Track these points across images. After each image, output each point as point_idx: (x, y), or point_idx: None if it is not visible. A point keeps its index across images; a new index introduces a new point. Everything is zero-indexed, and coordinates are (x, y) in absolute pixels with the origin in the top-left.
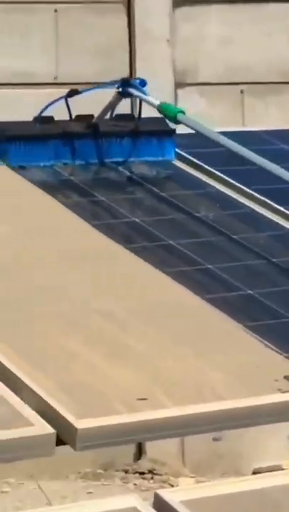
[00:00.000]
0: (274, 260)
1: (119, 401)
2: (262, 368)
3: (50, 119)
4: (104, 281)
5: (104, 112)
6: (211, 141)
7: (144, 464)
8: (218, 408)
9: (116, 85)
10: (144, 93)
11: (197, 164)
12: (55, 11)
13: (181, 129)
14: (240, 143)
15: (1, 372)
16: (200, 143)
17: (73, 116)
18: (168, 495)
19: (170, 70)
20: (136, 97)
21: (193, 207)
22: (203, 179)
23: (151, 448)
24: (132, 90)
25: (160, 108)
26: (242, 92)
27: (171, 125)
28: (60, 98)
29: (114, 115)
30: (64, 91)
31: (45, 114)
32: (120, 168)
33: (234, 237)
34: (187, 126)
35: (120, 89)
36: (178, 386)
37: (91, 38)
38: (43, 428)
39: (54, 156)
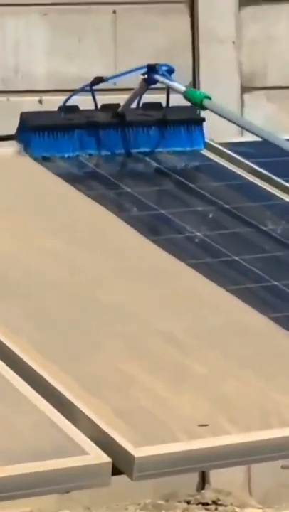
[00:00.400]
0: None
1: (178, 428)
2: None
3: (75, 108)
4: (164, 299)
5: (130, 100)
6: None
7: (207, 495)
8: (285, 434)
9: (142, 72)
10: (170, 80)
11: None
12: (114, 12)
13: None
14: None
15: (55, 398)
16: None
17: (99, 106)
18: None
19: (236, 74)
20: (162, 83)
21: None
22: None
23: (216, 477)
24: (158, 77)
25: (186, 94)
26: None
27: (202, 113)
28: (85, 86)
29: (140, 104)
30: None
31: (70, 103)
32: (147, 159)
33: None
34: (213, 112)
35: (146, 76)
36: (242, 411)
37: (151, 40)
38: (98, 457)
39: (79, 147)
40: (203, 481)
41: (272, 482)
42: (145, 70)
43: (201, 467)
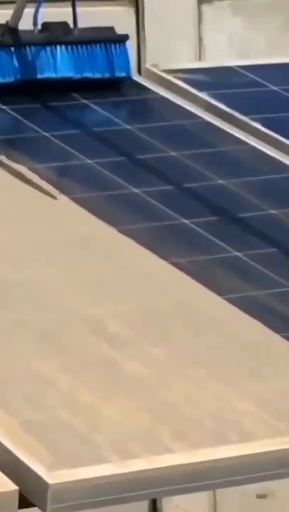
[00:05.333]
0: None
1: (107, 445)
2: None
3: None
4: (90, 276)
5: (19, 6)
6: None
7: None
8: (248, 452)
9: None
10: None
11: (172, 84)
12: None
13: None
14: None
15: None
16: None
17: None
18: None
19: None
20: None
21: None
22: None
23: (170, 505)
24: None
25: None
26: None
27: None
28: None
29: (39, 24)
30: None
31: None
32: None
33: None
34: None
35: None
36: (191, 423)
37: None
38: (1, 484)
39: None
40: (154, 510)
41: None
42: None
43: (137, 496)
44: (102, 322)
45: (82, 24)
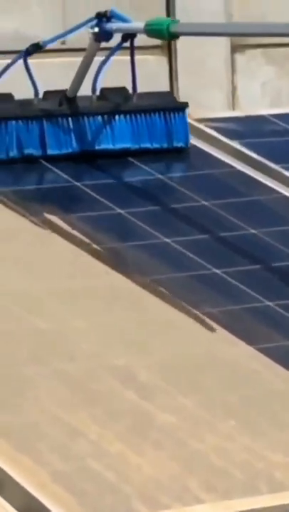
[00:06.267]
0: None
1: (137, 496)
2: None
3: (8, 96)
4: (119, 325)
5: (79, 76)
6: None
7: None
8: (279, 503)
9: (90, 25)
10: (125, 20)
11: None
12: None
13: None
14: None
15: None
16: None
17: (40, 90)
18: None
19: None
20: (117, 31)
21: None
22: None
23: None
24: (110, 25)
25: (148, 28)
26: None
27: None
28: (17, 59)
29: (97, 88)
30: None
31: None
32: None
33: None
34: (186, 34)
35: (96, 29)
36: (221, 473)
37: None
38: None
39: (15, 146)
40: None
41: None
42: (94, 22)
43: None
44: (132, 372)
45: (116, 73)
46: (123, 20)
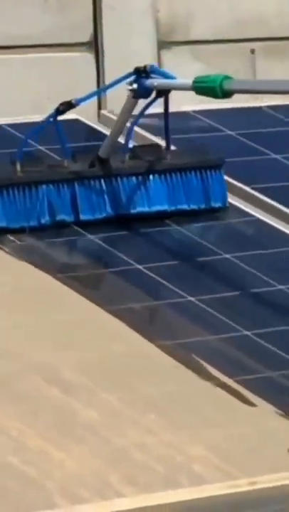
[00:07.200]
0: None
1: (59, 493)
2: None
3: (37, 159)
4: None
5: (114, 135)
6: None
7: None
8: (198, 496)
9: (128, 81)
10: (167, 76)
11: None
12: None
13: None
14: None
15: None
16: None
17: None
18: None
19: (151, 24)
20: (158, 88)
21: None
22: None
23: None
24: (151, 81)
25: (196, 86)
26: (253, 52)
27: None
28: (48, 118)
29: (129, 145)
30: None
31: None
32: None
33: None
34: (242, 92)
35: (134, 86)
36: (142, 468)
37: None
38: None
39: (46, 213)
40: None
41: None
42: (132, 77)
43: None
44: (56, 370)
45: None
46: (165, 76)
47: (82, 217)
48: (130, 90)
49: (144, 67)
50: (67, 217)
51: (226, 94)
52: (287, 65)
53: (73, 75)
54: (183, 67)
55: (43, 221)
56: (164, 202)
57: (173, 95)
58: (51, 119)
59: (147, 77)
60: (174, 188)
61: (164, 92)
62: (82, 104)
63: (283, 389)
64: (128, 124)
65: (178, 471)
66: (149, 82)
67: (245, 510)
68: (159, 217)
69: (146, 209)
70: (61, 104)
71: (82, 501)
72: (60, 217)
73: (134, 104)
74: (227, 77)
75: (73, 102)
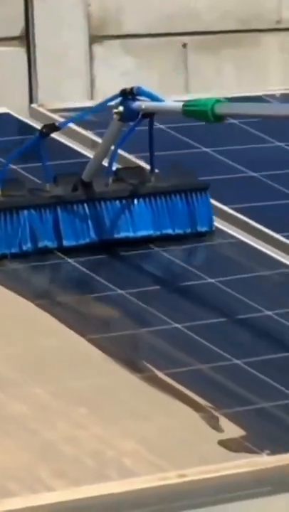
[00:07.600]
0: None
1: None
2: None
3: (18, 182)
4: None
5: (97, 158)
6: None
7: None
8: (127, 488)
9: (112, 102)
10: (155, 99)
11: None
12: None
13: None
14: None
15: None
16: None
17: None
18: None
19: (82, 18)
20: (145, 111)
21: None
22: None
23: None
24: (138, 104)
25: (186, 109)
26: (184, 46)
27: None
28: (31, 143)
29: (112, 169)
30: None
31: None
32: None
33: None
34: (234, 116)
35: (120, 108)
36: (71, 461)
37: None
38: None
39: (28, 238)
40: None
41: None
42: (118, 99)
43: None
44: None
45: None
46: (152, 98)
47: (66, 243)
48: (116, 113)
49: (131, 89)
50: (50, 244)
51: (218, 119)
52: (218, 59)
53: (4, 69)
54: (114, 61)
55: (24, 248)
56: (149, 227)
57: (108, 90)
58: (34, 142)
59: (134, 99)
60: (158, 213)
61: (148, 114)
62: (65, 126)
63: (213, 382)
64: (112, 147)
65: (108, 464)
66: (136, 104)
67: (174, 503)
68: (144, 242)
69: (131, 234)
70: (44, 127)
71: (11, 495)
72: (42, 243)
73: (121, 127)
74: (219, 101)
75: (57, 124)
